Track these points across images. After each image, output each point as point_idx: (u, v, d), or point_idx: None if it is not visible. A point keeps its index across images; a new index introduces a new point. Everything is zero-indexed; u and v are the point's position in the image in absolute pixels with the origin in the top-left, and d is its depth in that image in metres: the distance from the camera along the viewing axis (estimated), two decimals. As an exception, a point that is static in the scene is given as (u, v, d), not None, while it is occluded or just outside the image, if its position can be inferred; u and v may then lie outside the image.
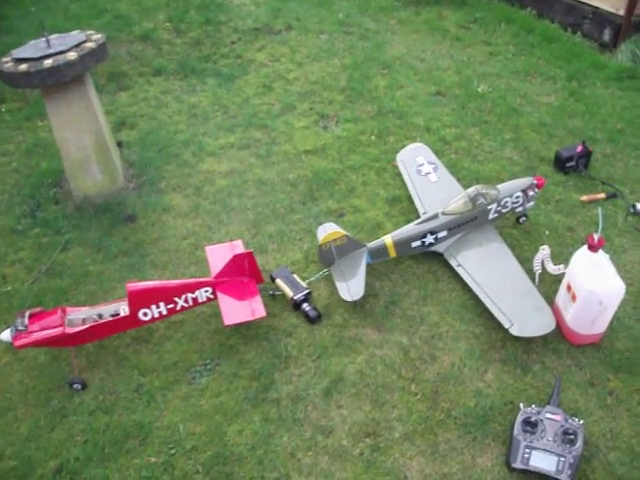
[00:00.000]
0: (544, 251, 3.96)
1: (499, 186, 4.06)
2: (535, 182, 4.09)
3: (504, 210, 4.06)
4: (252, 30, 7.50)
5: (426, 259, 4.11)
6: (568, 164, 4.85)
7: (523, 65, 6.57)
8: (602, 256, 3.46)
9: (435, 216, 3.96)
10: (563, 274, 3.65)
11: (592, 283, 3.36)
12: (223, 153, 5.36)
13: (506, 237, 4.20)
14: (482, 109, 5.76)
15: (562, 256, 4.06)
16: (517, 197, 4.04)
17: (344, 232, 3.82)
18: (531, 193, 4.07)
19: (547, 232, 4.35)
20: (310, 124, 5.73)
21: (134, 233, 4.50)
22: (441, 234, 3.96)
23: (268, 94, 6.30)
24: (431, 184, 4.43)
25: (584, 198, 4.66)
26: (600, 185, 4.83)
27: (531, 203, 4.12)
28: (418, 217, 4.17)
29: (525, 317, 3.52)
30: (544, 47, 6.88)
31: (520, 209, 4.14)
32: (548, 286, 3.89)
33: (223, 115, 5.93)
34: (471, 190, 3.96)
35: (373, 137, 5.42)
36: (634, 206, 4.58)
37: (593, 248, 3.44)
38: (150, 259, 4.27)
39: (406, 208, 4.57)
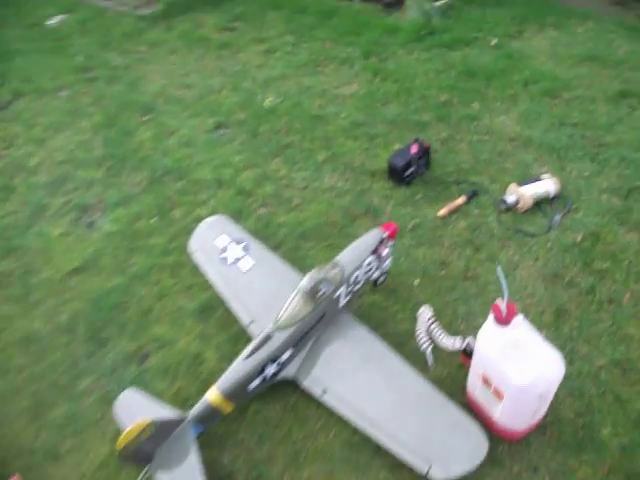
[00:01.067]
0: (425, 314, 2.77)
1: (340, 259, 2.76)
2: (385, 234, 2.84)
3: (357, 287, 2.78)
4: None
5: (276, 394, 2.72)
6: (407, 173, 3.67)
7: (308, 55, 5.37)
8: (519, 326, 2.28)
9: (267, 337, 2.56)
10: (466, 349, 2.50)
11: (521, 376, 2.20)
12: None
13: (368, 310, 2.95)
14: (277, 129, 4.45)
15: (448, 309, 2.88)
16: (369, 264, 2.78)
17: (148, 420, 2.30)
18: (385, 251, 2.82)
19: (416, 281, 3.14)
20: (69, 227, 4.05)
21: None
22: (284, 356, 2.58)
23: (9, 198, 4.48)
24: (246, 275, 3.02)
25: (442, 212, 3.52)
26: (454, 186, 3.71)
27: (387, 261, 2.88)
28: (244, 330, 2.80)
29: (445, 447, 2.31)
30: (325, 26, 5.73)
31: (377, 274, 2.87)
32: (448, 360, 2.69)
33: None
34: (305, 282, 2.61)
35: (153, 220, 3.89)
36: (504, 201, 3.51)
37: (503, 321, 2.24)
38: None
39: (226, 318, 3.13)
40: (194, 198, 3.95)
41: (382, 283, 3.00)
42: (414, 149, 3.67)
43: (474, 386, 2.49)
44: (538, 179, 3.62)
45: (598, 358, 2.74)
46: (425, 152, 3.73)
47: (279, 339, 2.55)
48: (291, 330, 2.57)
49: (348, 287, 2.71)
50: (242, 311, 2.90)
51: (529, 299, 3.03)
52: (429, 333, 2.77)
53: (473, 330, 2.62)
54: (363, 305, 3.04)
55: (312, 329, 2.63)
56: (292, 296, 2.61)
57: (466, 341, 2.62)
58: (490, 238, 3.37)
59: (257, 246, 3.15)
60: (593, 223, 3.44)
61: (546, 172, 3.72)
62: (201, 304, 3.24)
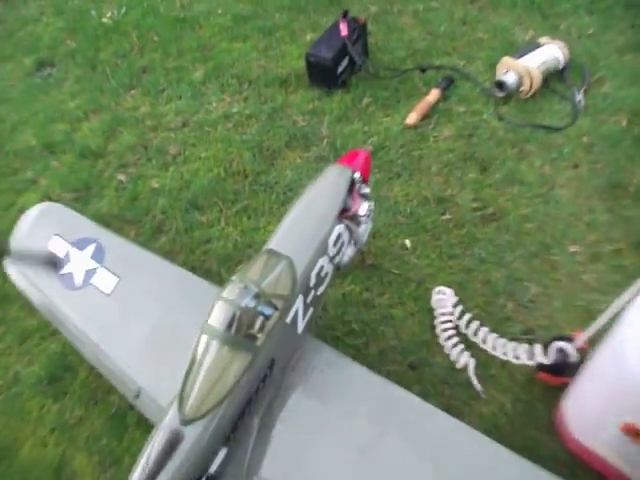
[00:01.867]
0: (444, 299, 1.50)
1: (281, 241, 1.30)
2: (353, 173, 1.39)
3: (322, 288, 1.35)
4: None
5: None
6: (340, 68, 2.27)
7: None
8: None
9: (174, 438, 1.08)
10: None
11: None
12: None
13: (341, 315, 1.64)
14: (127, 51, 2.93)
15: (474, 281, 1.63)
16: (337, 239, 1.34)
17: None
18: (361, 206, 1.39)
19: (407, 242, 1.80)
20: None
21: None
22: (214, 466, 1.16)
23: None
24: (110, 301, 1.53)
25: (410, 119, 2.17)
26: (415, 76, 2.36)
27: (365, 226, 1.44)
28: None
29: None
30: None
31: (349, 255, 1.43)
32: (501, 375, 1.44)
33: None
34: (221, 314, 1.12)
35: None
36: (500, 84, 2.22)
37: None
38: None
39: (95, 387, 1.67)
40: (14, 180, 2.36)
41: (348, 264, 1.56)
42: (344, 29, 2.26)
43: (598, 430, 1.21)
44: (537, 45, 2.33)
45: None
46: (361, 32, 2.34)
47: (196, 439, 1.10)
48: (215, 417, 1.12)
49: (308, 294, 1.29)
50: (117, 373, 1.43)
51: (592, 234, 1.79)
52: (464, 331, 1.47)
53: (536, 313, 1.42)
54: (329, 307, 1.68)
55: (255, 399, 1.20)
56: (201, 346, 1.13)
57: (553, 347, 1.34)
58: (497, 145, 2.07)
59: (119, 244, 1.65)
60: (631, 96, 2.21)
61: (542, 36, 2.43)
62: (48, 368, 1.75)
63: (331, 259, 1.33)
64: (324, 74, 2.28)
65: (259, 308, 1.11)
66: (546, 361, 1.36)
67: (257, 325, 1.12)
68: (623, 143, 2.05)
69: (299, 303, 1.24)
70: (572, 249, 1.76)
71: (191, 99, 2.49)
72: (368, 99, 2.29)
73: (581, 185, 1.94)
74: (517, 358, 1.43)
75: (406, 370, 1.57)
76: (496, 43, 2.52)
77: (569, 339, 1.40)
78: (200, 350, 1.10)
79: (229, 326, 1.09)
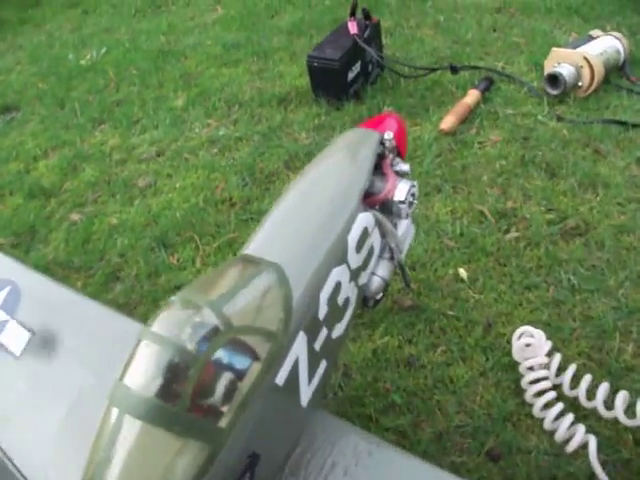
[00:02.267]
0: (529, 347, 0.88)
1: (264, 243, 0.75)
2: (386, 135, 0.84)
3: (339, 325, 0.79)
4: None
5: None
6: (351, 72, 1.82)
7: (141, -5, 3.45)
8: None
9: None
10: None
11: None
12: None
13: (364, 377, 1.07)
14: (101, 87, 2.53)
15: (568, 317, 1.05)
16: (361, 243, 0.78)
17: None
18: (402, 191, 0.83)
19: (461, 270, 1.24)
20: None
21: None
22: None
23: None
24: (15, 368, 0.97)
25: (446, 124, 1.67)
26: (444, 80, 1.90)
27: (406, 225, 0.90)
28: None
29: None
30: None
31: (383, 275, 0.86)
32: None
33: None
34: (143, 376, 0.57)
35: None
36: (553, 78, 1.74)
37: None
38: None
39: None
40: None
41: (382, 289, 0.95)
42: (353, 27, 1.82)
43: None
44: (590, 38, 1.89)
45: None
46: (374, 32, 1.90)
47: None
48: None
49: (316, 332, 0.72)
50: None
51: None
52: (567, 394, 0.89)
53: None
54: (353, 370, 1.12)
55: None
56: (111, 430, 0.55)
57: None
58: (563, 147, 1.57)
59: (43, 286, 1.12)
60: None
61: (593, 29, 2.00)
62: None
63: (354, 275, 0.78)
64: (331, 82, 1.83)
65: (221, 356, 0.56)
66: None
67: (219, 390, 0.55)
68: None
69: (300, 349, 0.68)
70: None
71: (169, 127, 2.03)
72: (389, 108, 1.81)
73: (684, 186, 1.41)
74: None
75: (484, 462, 0.99)
76: (535, 47, 2.08)
77: None
78: (109, 437, 0.55)
79: (162, 392, 0.54)
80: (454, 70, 1.83)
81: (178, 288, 1.41)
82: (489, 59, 2.02)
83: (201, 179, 1.71)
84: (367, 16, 1.88)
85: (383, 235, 0.84)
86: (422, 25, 2.32)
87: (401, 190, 0.83)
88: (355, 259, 0.77)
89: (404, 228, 0.88)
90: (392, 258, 0.88)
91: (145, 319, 1.19)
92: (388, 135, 0.83)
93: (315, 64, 1.81)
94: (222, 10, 3.03)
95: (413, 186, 0.84)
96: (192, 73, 2.37)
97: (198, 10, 3.14)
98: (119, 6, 3.63)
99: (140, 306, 1.35)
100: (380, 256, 0.86)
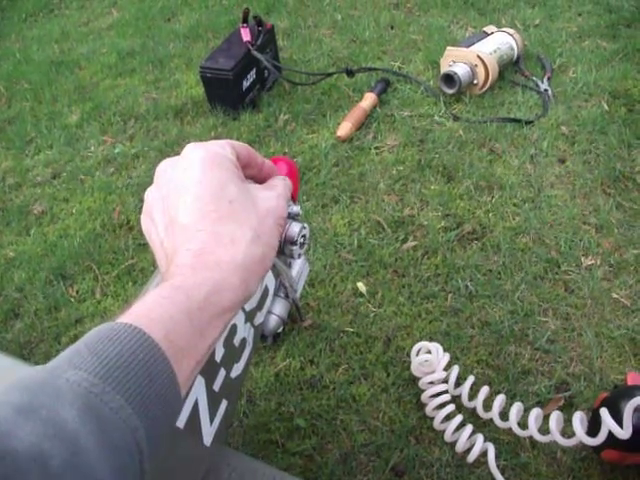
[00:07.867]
0: (427, 362, 0.99)
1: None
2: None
3: (237, 366, 0.75)
4: None
5: None
6: (246, 81, 1.78)
7: (33, 4, 3.26)
8: None
9: None
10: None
11: None
12: None
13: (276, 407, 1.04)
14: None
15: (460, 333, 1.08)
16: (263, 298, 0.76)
17: None
18: (293, 233, 0.78)
19: (362, 286, 1.24)
20: None
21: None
22: None
23: None
24: None
25: (342, 131, 1.67)
26: (341, 84, 1.89)
27: (299, 262, 0.86)
28: None
29: None
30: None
31: (279, 313, 0.84)
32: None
33: None
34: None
35: None
36: (447, 78, 1.79)
37: None
38: None
39: None
40: None
41: (278, 327, 0.93)
42: (245, 35, 1.78)
43: None
44: (484, 35, 1.93)
45: None
46: (269, 38, 1.87)
47: None
48: None
49: (213, 376, 0.68)
50: None
51: (606, 238, 1.29)
52: (466, 406, 0.91)
53: (563, 357, 1.00)
54: (257, 397, 1.10)
55: None
56: None
57: (627, 407, 0.78)
58: (459, 148, 1.59)
59: None
60: (603, 78, 1.81)
61: (488, 25, 2.05)
62: None
63: (249, 316, 0.76)
64: (226, 92, 1.78)
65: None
66: (622, 434, 0.80)
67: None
68: (611, 127, 1.61)
69: (199, 390, 0.65)
70: (587, 262, 1.26)
71: (64, 146, 1.93)
72: (285, 116, 1.79)
73: (575, 181, 1.47)
74: (566, 435, 0.87)
75: (390, 479, 0.99)
76: (432, 44, 2.10)
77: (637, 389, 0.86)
78: None
79: None
80: (350, 73, 1.82)
81: (79, 322, 1.35)
82: (386, 58, 2.03)
83: (97, 202, 1.63)
84: (260, 23, 1.84)
85: (277, 275, 0.83)
86: (320, 25, 2.30)
87: (291, 232, 0.80)
88: (249, 301, 0.75)
89: (298, 267, 0.87)
90: (287, 294, 0.87)
91: (47, 358, 1.14)
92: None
93: (208, 75, 1.76)
94: (117, 13, 2.91)
95: (304, 228, 0.82)
96: (87, 85, 2.26)
97: (93, 14, 3.00)
98: (8, 9, 3.40)
99: (42, 343, 1.28)
100: (276, 294, 0.85)
